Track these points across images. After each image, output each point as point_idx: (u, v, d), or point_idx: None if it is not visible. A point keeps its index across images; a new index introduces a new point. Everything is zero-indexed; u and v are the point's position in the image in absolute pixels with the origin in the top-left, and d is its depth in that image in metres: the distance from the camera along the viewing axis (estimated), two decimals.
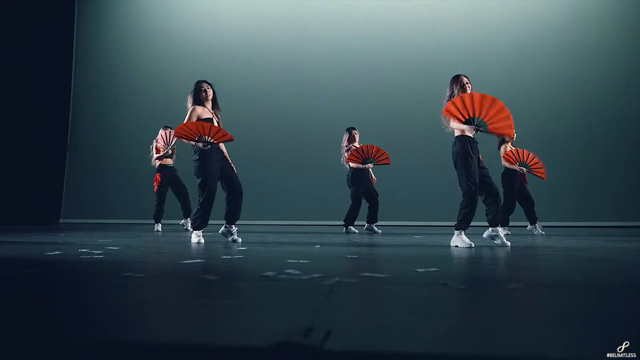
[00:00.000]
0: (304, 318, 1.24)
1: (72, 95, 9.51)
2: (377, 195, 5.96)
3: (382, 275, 2.03)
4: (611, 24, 8.27)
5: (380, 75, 8.61)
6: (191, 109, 4.00)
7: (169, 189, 6.40)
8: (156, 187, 6.29)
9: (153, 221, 6.36)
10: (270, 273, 2.06)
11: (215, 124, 3.98)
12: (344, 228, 5.87)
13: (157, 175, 6.31)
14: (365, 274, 2.09)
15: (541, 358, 0.93)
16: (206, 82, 4.16)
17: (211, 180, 3.88)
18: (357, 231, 5.88)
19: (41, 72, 9.00)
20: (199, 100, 4.04)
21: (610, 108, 8.06)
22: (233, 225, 4.02)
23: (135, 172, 8.96)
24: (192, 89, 4.10)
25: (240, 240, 4.00)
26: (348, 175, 5.94)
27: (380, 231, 5.86)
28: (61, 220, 8.99)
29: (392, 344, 1.01)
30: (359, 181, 5.86)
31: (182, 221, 6.50)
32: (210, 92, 4.09)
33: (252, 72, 8.91)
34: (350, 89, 8.62)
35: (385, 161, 5.79)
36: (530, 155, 5.55)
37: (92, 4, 9.71)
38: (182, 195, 6.38)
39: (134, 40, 9.50)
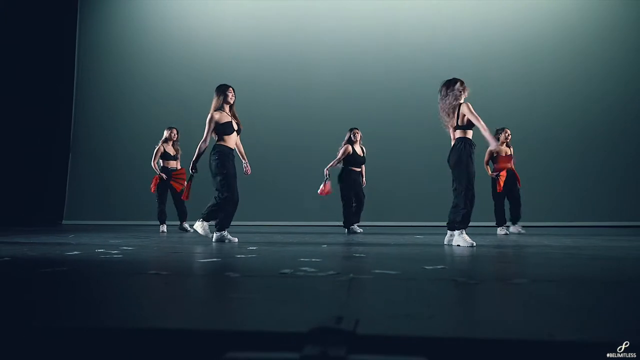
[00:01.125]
0: (332, 309, 1.36)
1: (74, 97, 9.59)
2: (364, 197, 6.08)
3: (393, 272, 2.15)
4: (611, 25, 8.39)
5: (382, 75, 8.72)
6: (209, 117, 4.17)
7: (168, 191, 6.37)
8: (153, 188, 6.28)
9: (158, 222, 6.43)
10: (287, 270, 2.18)
11: (235, 126, 4.25)
12: (346, 230, 5.99)
13: (156, 177, 6.29)
14: (377, 270, 2.21)
15: (548, 339, 1.05)
16: (231, 86, 4.33)
17: (233, 178, 4.11)
18: (360, 230, 5.99)
19: (43, 74, 9.08)
20: (221, 105, 4.18)
21: (610, 109, 8.19)
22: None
23: (138, 173, 9.04)
24: (217, 92, 4.25)
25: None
26: (339, 176, 6.05)
27: (361, 230, 5.98)
28: (64, 222, 9.07)
29: (417, 329, 1.14)
30: (350, 182, 5.98)
31: (186, 224, 6.38)
32: (233, 98, 4.28)
33: (253, 72, 9.00)
34: (352, 89, 8.73)
35: None
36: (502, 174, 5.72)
37: (95, 6, 9.80)
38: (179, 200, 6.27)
39: (137, 41, 9.59)
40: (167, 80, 9.30)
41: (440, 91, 4.02)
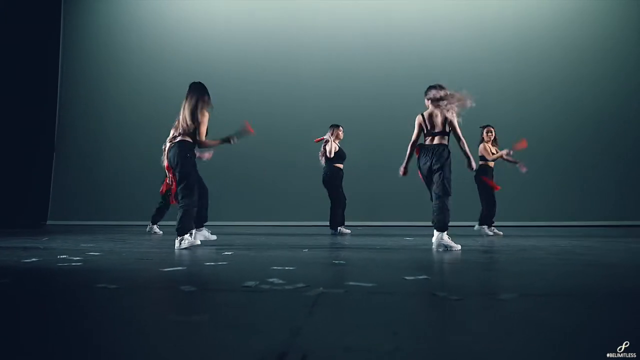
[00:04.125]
0: (281, 340, 1.15)
1: (58, 95, 9.35)
2: (346, 199, 5.88)
3: (368, 285, 1.95)
4: (604, 25, 8.24)
5: (376, 75, 8.53)
6: (207, 116, 3.96)
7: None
8: (165, 189, 5.91)
9: (150, 222, 6.22)
10: (252, 283, 1.97)
11: None
12: (333, 231, 5.77)
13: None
14: (351, 282, 2.00)
15: None
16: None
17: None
18: (349, 231, 5.80)
19: (27, 72, 8.82)
20: (207, 106, 3.95)
21: (606, 108, 8.03)
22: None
23: (124, 173, 8.83)
24: (202, 92, 3.97)
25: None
26: (326, 174, 5.81)
27: (349, 231, 5.80)
28: (48, 222, 8.84)
29: None
30: (339, 180, 5.78)
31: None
32: None
33: (245, 71, 8.79)
34: (345, 89, 8.53)
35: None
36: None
37: (79, 4, 9.55)
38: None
39: (123, 39, 9.35)
40: (152, 78, 9.07)
41: (436, 91, 3.87)
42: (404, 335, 1.20)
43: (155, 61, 9.14)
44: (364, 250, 3.56)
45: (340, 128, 5.92)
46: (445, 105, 3.71)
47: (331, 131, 5.87)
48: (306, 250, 3.57)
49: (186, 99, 3.99)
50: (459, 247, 3.50)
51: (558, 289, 1.90)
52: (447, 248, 3.51)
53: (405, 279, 2.09)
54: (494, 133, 5.68)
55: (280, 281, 2.01)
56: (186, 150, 3.90)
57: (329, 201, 5.82)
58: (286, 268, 2.45)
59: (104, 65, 9.28)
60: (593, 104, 8.08)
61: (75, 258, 2.94)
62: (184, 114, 3.94)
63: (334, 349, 1.09)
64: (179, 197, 3.87)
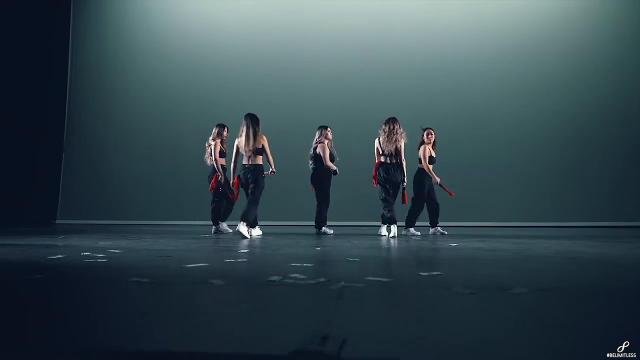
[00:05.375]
0: (317, 326, 1.27)
1: (67, 95, 9.48)
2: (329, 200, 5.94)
3: (386, 280, 2.06)
4: (608, 25, 8.34)
5: (377, 76, 8.64)
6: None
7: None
8: (214, 186, 5.89)
9: (211, 223, 6.08)
10: (276, 277, 2.08)
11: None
12: (318, 230, 5.80)
13: (217, 175, 5.86)
14: (370, 278, 2.12)
15: None
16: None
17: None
18: (332, 231, 5.86)
19: (36, 71, 8.95)
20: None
21: (606, 108, 8.13)
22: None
23: (132, 173, 8.96)
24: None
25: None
26: (324, 173, 5.83)
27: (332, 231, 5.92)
28: (57, 221, 8.96)
29: (406, 354, 1.04)
30: (330, 180, 5.83)
31: (224, 225, 6.06)
32: None
33: (249, 72, 8.92)
34: (347, 90, 8.65)
35: None
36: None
37: (89, 3, 9.68)
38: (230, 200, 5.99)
39: (131, 39, 9.47)
40: (161, 78, 9.20)
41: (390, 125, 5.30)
42: (429, 323, 1.32)
43: (162, 63, 9.26)
44: (374, 249, 3.67)
45: (329, 129, 5.96)
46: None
47: (320, 132, 5.90)
48: (318, 248, 3.68)
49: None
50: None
51: (565, 284, 2.02)
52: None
53: (421, 275, 2.21)
54: (434, 135, 5.77)
55: (302, 276, 2.12)
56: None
57: (316, 201, 5.86)
58: (304, 265, 2.57)
59: (112, 66, 9.41)
60: (595, 105, 8.18)
61: (98, 255, 3.06)
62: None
63: (367, 334, 1.21)
64: (252, 192, 5.06)
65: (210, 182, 5.89)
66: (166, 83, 9.15)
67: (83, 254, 3.11)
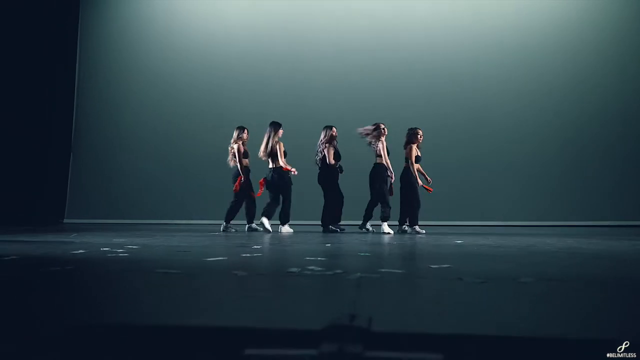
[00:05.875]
0: (344, 307, 1.38)
1: (75, 95, 9.61)
2: (343, 197, 6.14)
3: (399, 271, 2.18)
4: (608, 25, 8.44)
5: (378, 77, 8.76)
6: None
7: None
8: (238, 187, 6.09)
9: (225, 221, 6.20)
10: (294, 269, 2.20)
11: None
12: (330, 228, 5.95)
13: (241, 177, 6.07)
14: (383, 270, 2.23)
15: (560, 337, 1.08)
16: None
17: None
18: (340, 230, 6.00)
19: (44, 71, 9.09)
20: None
21: (607, 109, 8.24)
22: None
23: (139, 173, 9.08)
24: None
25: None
26: (332, 172, 6.01)
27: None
28: (65, 221, 9.08)
29: (430, 327, 1.16)
30: (336, 180, 6.03)
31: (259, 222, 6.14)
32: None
33: (253, 72, 9.05)
34: (348, 90, 8.77)
35: None
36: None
37: (97, 3, 9.81)
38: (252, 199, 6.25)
39: (137, 40, 9.61)
40: (169, 78, 9.33)
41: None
42: (445, 304, 1.43)
43: (168, 63, 9.40)
44: (384, 246, 3.79)
45: (334, 128, 6.12)
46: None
47: (324, 132, 6.06)
48: (329, 245, 3.80)
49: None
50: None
51: (572, 275, 2.13)
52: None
53: (431, 267, 2.33)
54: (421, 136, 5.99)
55: (319, 268, 2.24)
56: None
57: (324, 200, 6.06)
58: (319, 259, 2.68)
59: (118, 68, 9.55)
60: (595, 105, 8.28)
61: (118, 250, 3.17)
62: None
63: (391, 313, 1.32)
64: (285, 195, 5.85)
65: (234, 183, 6.12)
66: (172, 83, 9.28)
67: (103, 250, 3.23)
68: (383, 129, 5.83)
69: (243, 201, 6.18)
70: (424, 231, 5.80)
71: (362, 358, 0.97)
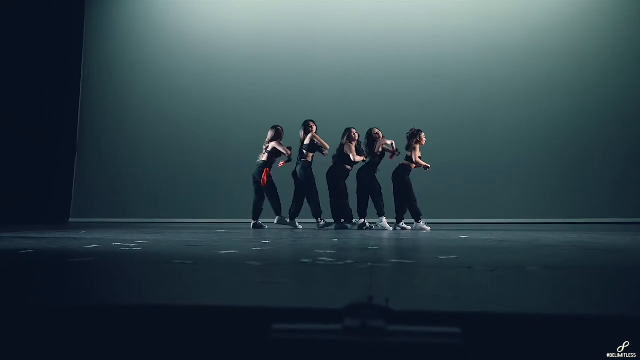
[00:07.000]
0: (361, 290, 1.44)
1: (80, 93, 9.67)
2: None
3: (410, 261, 2.23)
4: (608, 26, 8.49)
5: (379, 77, 8.81)
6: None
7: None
8: (265, 180, 6.33)
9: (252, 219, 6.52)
10: (306, 260, 2.26)
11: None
12: (337, 224, 6.14)
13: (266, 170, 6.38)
14: (393, 260, 2.29)
15: (569, 314, 1.13)
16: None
17: None
18: (350, 225, 6.14)
19: (49, 70, 9.15)
20: None
21: (607, 109, 8.28)
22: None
23: (143, 172, 9.14)
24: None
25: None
26: (343, 171, 6.26)
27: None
28: (71, 220, 9.14)
29: (445, 307, 1.22)
30: (344, 177, 6.31)
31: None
32: None
33: (259, 72, 9.10)
34: (349, 91, 8.82)
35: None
36: None
37: (102, 4, 9.88)
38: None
39: (142, 40, 9.67)
40: (174, 78, 9.39)
41: None
42: (458, 289, 1.49)
43: (173, 63, 9.45)
44: (390, 240, 3.85)
45: (353, 130, 6.31)
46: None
47: (347, 135, 6.25)
48: (336, 240, 3.86)
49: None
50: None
51: (578, 264, 2.19)
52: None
53: (439, 258, 2.38)
54: None
55: (330, 259, 2.30)
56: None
57: (331, 197, 6.29)
58: (328, 251, 2.74)
59: (127, 64, 9.61)
60: (595, 105, 8.32)
61: (130, 244, 3.23)
62: None
63: (408, 296, 1.38)
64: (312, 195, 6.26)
65: (259, 177, 6.36)
66: (177, 83, 9.35)
67: (115, 244, 3.29)
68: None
69: (275, 193, 6.37)
70: (429, 228, 5.86)
71: (384, 331, 1.03)
